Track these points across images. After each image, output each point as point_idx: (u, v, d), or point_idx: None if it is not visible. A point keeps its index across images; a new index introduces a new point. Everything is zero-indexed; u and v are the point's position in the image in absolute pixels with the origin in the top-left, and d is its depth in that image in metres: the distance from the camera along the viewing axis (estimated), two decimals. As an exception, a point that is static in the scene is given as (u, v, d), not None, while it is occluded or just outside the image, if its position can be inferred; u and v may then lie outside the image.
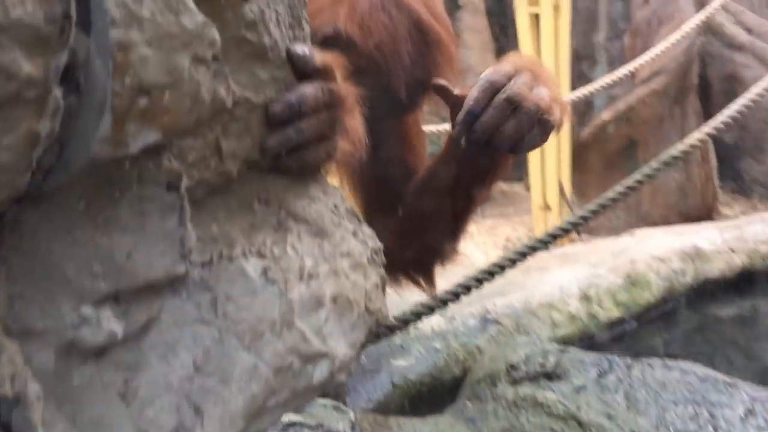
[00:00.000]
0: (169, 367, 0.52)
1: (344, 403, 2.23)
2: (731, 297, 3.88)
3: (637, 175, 2.19)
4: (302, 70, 0.67)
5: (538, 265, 3.85)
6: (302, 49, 0.66)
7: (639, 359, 2.04)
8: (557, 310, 3.33)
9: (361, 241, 0.67)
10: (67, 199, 0.45)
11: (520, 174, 6.75)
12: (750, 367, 3.36)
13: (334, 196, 0.69)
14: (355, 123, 0.74)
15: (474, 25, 7.21)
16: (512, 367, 1.89)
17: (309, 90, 0.67)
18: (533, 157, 6.15)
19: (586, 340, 3.30)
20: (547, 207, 6.25)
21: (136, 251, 0.50)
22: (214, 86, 0.48)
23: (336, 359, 0.58)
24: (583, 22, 7.75)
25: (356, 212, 0.71)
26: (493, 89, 1.11)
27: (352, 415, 1.78)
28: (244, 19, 0.57)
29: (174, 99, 0.45)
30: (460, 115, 1.14)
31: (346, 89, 0.72)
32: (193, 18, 0.46)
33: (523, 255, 2.11)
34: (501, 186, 7.73)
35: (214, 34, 0.48)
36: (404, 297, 3.63)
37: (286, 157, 0.66)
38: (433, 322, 3.14)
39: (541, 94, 1.08)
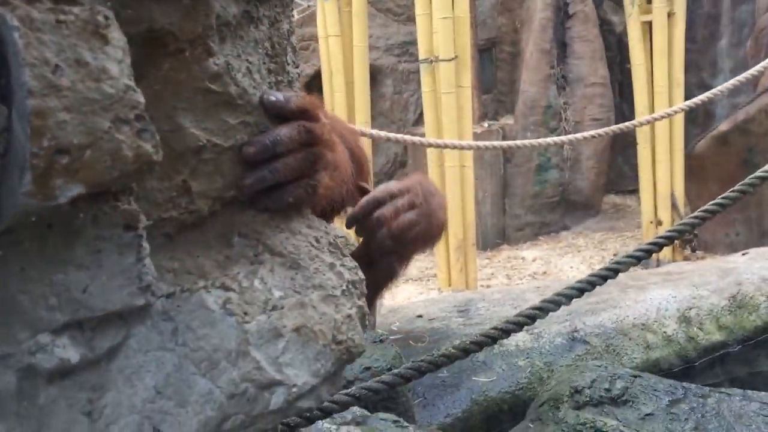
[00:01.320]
0: (133, 389, 0.58)
1: (411, 418, 2.26)
2: None
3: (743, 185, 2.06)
4: (278, 115, 0.72)
5: (637, 283, 3.72)
6: (276, 96, 0.71)
7: (717, 389, 1.96)
8: (652, 331, 3.21)
9: (336, 273, 0.70)
10: (20, 240, 0.52)
11: (634, 186, 6.52)
12: None
13: (318, 230, 0.73)
14: (337, 158, 0.78)
15: (585, 34, 7.05)
16: (576, 390, 1.86)
17: (284, 131, 0.71)
18: (644, 169, 5.94)
19: (682, 365, 3.17)
20: (658, 222, 6.01)
21: (93, 285, 0.56)
22: (138, 143, 0.53)
23: (293, 387, 0.62)
24: (703, 28, 7.41)
25: (340, 245, 0.74)
26: (375, 203, 1.24)
27: (411, 430, 1.81)
28: (208, 72, 0.63)
29: (95, 157, 0.51)
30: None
31: (325, 127, 0.76)
32: (115, 84, 0.52)
33: (613, 271, 2.04)
34: (613, 199, 7.49)
35: (138, 97, 0.53)
36: (492, 312, 3.61)
37: (265, 196, 0.71)
38: (518, 339, 3.11)
39: (403, 219, 1.21)
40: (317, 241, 0.71)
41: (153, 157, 0.54)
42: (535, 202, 6.90)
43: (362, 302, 0.73)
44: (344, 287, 0.70)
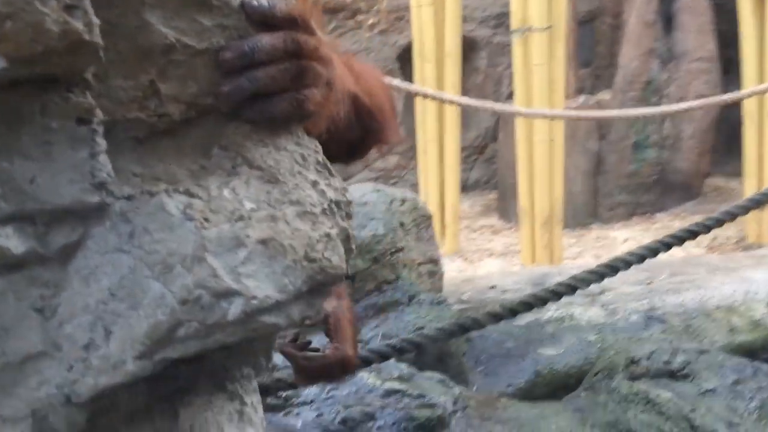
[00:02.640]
0: (89, 290, 0.58)
1: (464, 381, 2.23)
2: None
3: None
4: (263, 23, 0.69)
5: (728, 265, 3.53)
6: (259, 1, 0.68)
7: (792, 370, 1.83)
8: (738, 314, 3.03)
9: (319, 192, 0.68)
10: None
11: (740, 169, 6.18)
12: None
13: (306, 147, 0.71)
14: (332, 75, 0.74)
15: (693, 5, 6.68)
16: (633, 361, 1.77)
17: (267, 38, 0.68)
18: (749, 148, 5.60)
19: (770, 351, 2.98)
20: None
21: (41, 177, 0.56)
22: (65, 18, 0.52)
23: (253, 299, 0.60)
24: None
25: (329, 166, 0.72)
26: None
27: (457, 390, 1.78)
28: (181, -33, 0.61)
29: (15, 28, 0.50)
30: None
31: (319, 40, 0.72)
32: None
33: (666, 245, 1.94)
34: (716, 181, 7.12)
35: (66, -27, 0.52)
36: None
37: (247, 108, 0.69)
38: (590, 314, 3.01)
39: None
40: (303, 158, 0.69)
41: (84, 37, 0.53)
42: (630, 181, 6.64)
43: (347, 224, 0.70)
44: (326, 206, 0.68)
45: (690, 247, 6.02)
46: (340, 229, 0.68)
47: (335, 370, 1.41)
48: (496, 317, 1.79)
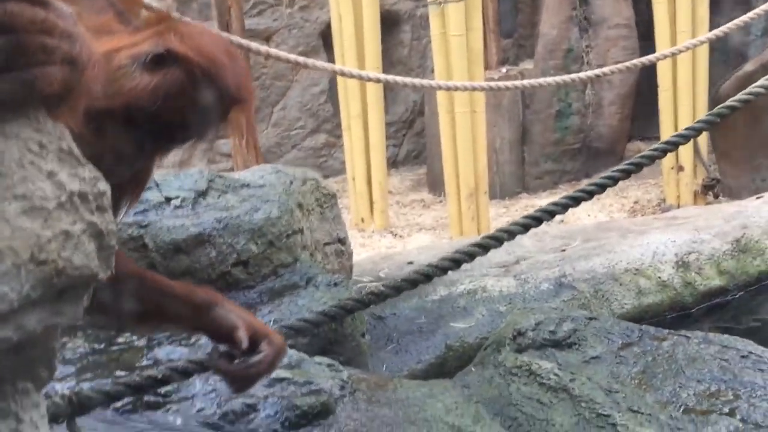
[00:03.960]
0: None
1: (363, 364, 2.19)
2: None
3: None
4: None
5: (638, 228, 3.57)
6: None
7: (677, 332, 1.84)
8: (646, 276, 3.07)
9: (55, 183, 0.61)
10: None
11: (658, 132, 6.27)
12: None
13: (48, 134, 0.64)
14: (74, 49, 0.66)
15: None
16: (519, 333, 1.76)
17: None
18: (665, 112, 5.69)
19: (677, 311, 3.03)
20: (680, 168, 5.77)
21: None
22: None
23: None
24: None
25: (77, 154, 0.65)
26: None
27: (345, 374, 1.74)
28: None
29: None
30: None
31: (56, 9, 0.64)
32: None
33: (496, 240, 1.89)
34: (637, 145, 7.23)
35: None
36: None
37: None
38: (502, 284, 3.00)
39: None
40: (41, 146, 0.62)
41: None
42: (556, 149, 6.69)
43: (98, 218, 0.64)
44: (64, 199, 0.61)
45: (614, 212, 6.13)
46: (87, 225, 0.62)
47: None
48: (397, 290, 1.75)
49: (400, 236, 5.93)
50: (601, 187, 1.83)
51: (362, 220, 5.80)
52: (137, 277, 1.30)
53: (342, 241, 2.86)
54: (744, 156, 5.79)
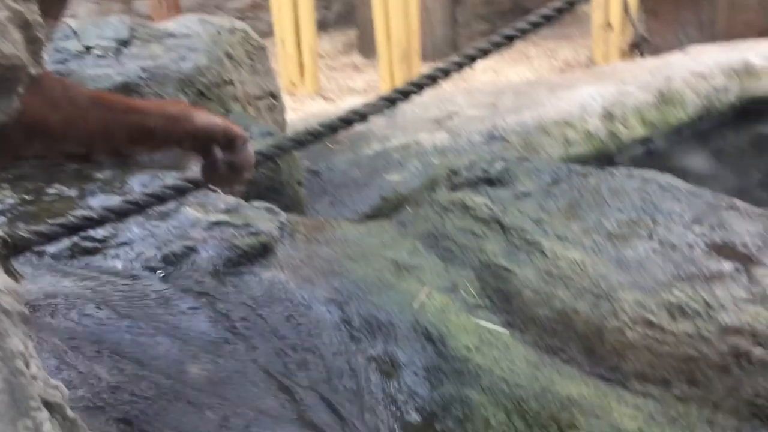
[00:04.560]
0: None
1: (300, 211, 2.22)
2: (781, 117, 3.56)
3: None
4: None
5: (567, 83, 3.63)
6: None
7: (603, 169, 1.91)
8: (573, 127, 3.15)
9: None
10: None
11: (589, -9, 6.22)
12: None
13: None
14: None
15: None
16: (454, 172, 1.80)
17: None
18: (596, -31, 5.64)
19: (603, 160, 3.14)
20: (609, 26, 5.80)
21: None
22: None
23: None
24: None
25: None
26: None
27: (283, 217, 1.76)
28: None
29: None
30: None
31: None
32: None
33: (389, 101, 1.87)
34: (568, 5, 7.18)
35: None
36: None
37: None
38: (435, 138, 3.05)
39: None
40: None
41: None
42: (488, 9, 6.62)
43: (23, 6, 0.61)
44: None
45: (544, 73, 6.17)
46: (13, 12, 0.59)
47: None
48: (315, 135, 1.75)
49: (332, 100, 5.87)
50: (509, 39, 1.82)
51: (293, 84, 5.69)
52: (101, 101, 1.24)
53: (274, 95, 2.82)
54: (670, 13, 5.84)
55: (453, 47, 6.73)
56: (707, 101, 3.42)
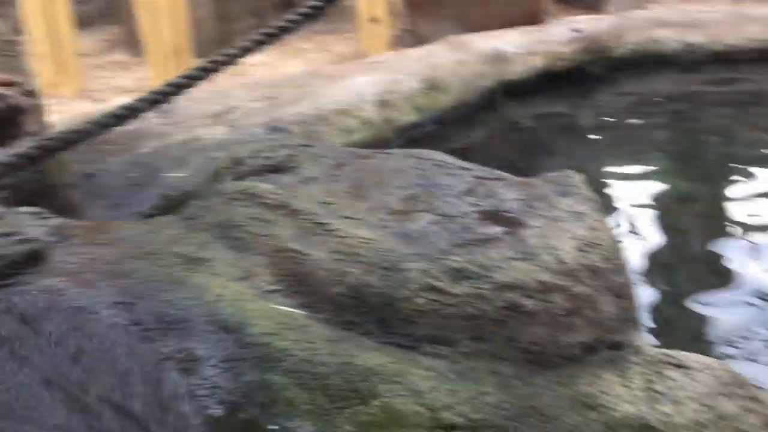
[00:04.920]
0: None
1: (77, 215, 2.09)
2: (532, 98, 3.95)
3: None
4: None
5: (342, 74, 3.74)
6: None
7: (382, 150, 2.00)
8: (351, 116, 3.27)
9: None
10: None
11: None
12: (552, 163, 3.45)
13: None
14: None
15: None
16: (238, 162, 1.79)
17: None
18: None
19: (381, 145, 3.28)
20: (376, 19, 6.03)
21: None
22: None
23: None
24: None
25: None
26: None
27: (56, 221, 1.64)
28: None
29: None
30: None
31: None
32: None
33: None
34: (342, -1, 7.37)
35: None
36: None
37: None
38: (215, 132, 3.00)
39: None
40: None
41: None
42: (257, 4, 6.60)
43: None
44: None
45: (317, 63, 6.29)
46: None
47: None
48: (81, 134, 1.66)
49: (101, 100, 5.54)
50: (271, 36, 1.86)
51: (53, 85, 5.29)
52: None
53: (31, 94, 2.61)
54: (431, 7, 6.21)
55: (223, 42, 6.64)
56: (468, 86, 3.69)
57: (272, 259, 1.54)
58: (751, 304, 2.17)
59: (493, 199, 1.67)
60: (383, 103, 3.38)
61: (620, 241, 1.55)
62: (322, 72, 4.00)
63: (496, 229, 1.55)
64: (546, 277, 1.40)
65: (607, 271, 1.44)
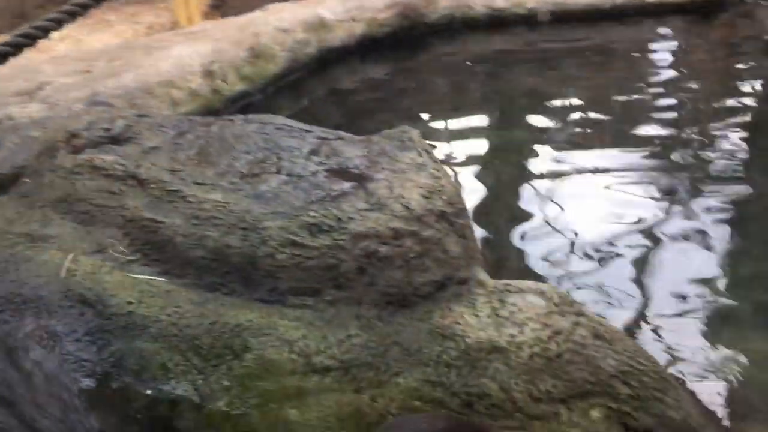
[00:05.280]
0: None
1: None
2: (354, 64, 4.05)
3: None
4: None
5: (162, 45, 3.62)
6: None
7: (222, 117, 2.00)
8: (177, 87, 3.18)
9: None
10: None
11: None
12: (378, 125, 3.56)
13: None
14: None
15: None
16: (73, 135, 1.73)
17: None
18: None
19: (211, 116, 3.23)
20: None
21: None
22: None
23: None
24: None
25: None
26: None
27: None
28: None
29: None
30: None
31: None
32: None
33: None
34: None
35: None
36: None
37: None
38: (31, 110, 2.82)
39: None
40: None
41: None
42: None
43: None
44: None
45: (129, 38, 6.01)
46: None
47: None
48: None
49: None
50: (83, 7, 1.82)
51: None
52: None
53: None
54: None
55: (21, 18, 6.15)
56: (293, 54, 3.72)
57: (126, 230, 1.52)
58: (561, 234, 2.42)
59: (339, 157, 1.74)
60: (209, 74, 3.32)
61: (459, 188, 1.69)
62: (139, 43, 3.85)
63: (345, 185, 1.62)
64: (397, 224, 1.50)
65: (451, 214, 1.56)
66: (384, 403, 1.34)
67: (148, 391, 1.28)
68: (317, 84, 3.86)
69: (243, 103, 3.41)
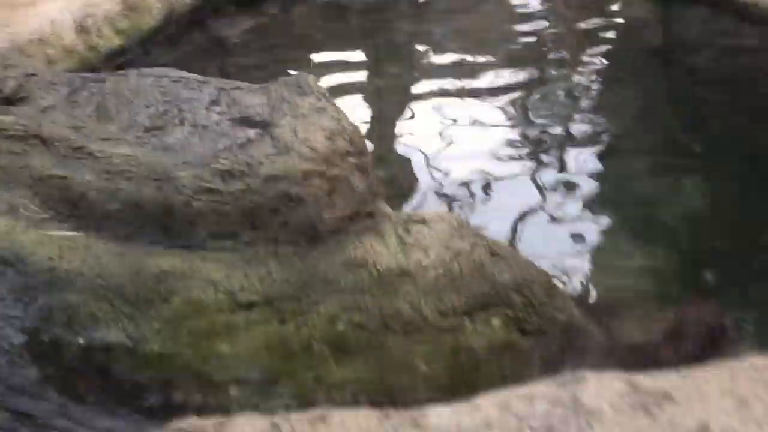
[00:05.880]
0: None
1: None
2: (234, 14, 4.01)
3: None
4: None
5: (27, 1, 3.46)
6: None
7: (114, 73, 2.00)
8: (51, 45, 3.07)
9: None
10: None
11: None
12: (264, 74, 3.56)
13: None
14: None
15: None
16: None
17: None
18: None
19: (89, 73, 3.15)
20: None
21: None
22: None
23: None
24: None
25: None
26: None
27: None
28: None
29: None
30: None
31: None
32: None
33: None
34: None
35: None
36: None
37: None
38: None
39: None
40: None
41: None
42: None
43: None
44: None
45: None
46: None
47: None
48: None
49: None
50: None
51: None
52: None
53: None
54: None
55: None
56: (168, 6, 3.64)
57: (35, 188, 1.53)
58: (456, 161, 2.60)
59: (239, 106, 1.79)
60: (83, 29, 3.21)
61: (359, 127, 1.78)
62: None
63: (250, 132, 1.69)
64: (305, 165, 1.59)
65: (354, 153, 1.66)
66: (308, 331, 1.45)
67: (80, 340, 1.33)
68: (197, 36, 3.81)
69: (122, 59, 3.33)
